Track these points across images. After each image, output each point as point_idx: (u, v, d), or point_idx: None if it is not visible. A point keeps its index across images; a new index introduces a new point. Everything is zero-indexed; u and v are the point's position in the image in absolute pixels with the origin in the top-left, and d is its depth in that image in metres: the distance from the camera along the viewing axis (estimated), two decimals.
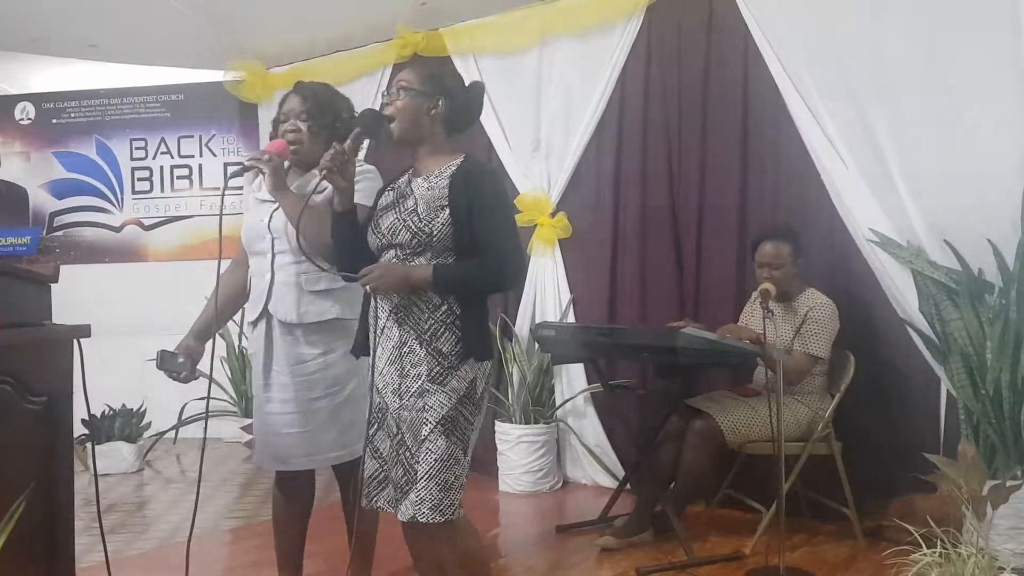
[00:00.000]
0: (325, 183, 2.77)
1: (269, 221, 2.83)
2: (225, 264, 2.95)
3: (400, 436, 2.43)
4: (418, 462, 2.38)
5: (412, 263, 2.42)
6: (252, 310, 2.90)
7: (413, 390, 2.40)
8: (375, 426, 2.51)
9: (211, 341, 2.76)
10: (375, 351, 2.51)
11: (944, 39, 3.66)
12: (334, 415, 2.84)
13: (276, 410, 2.86)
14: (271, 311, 2.84)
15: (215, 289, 2.94)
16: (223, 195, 2.66)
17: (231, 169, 2.83)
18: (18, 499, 1.56)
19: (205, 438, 2.84)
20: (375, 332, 2.50)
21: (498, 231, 2.43)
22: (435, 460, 2.37)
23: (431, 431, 2.37)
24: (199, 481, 2.69)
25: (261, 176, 2.79)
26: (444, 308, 2.41)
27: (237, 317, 4.12)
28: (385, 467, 2.48)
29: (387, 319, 2.46)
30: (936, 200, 3.71)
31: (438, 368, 2.39)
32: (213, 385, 5.23)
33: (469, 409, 2.42)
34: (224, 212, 2.68)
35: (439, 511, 2.37)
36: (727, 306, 4.35)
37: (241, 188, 3.14)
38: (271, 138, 2.92)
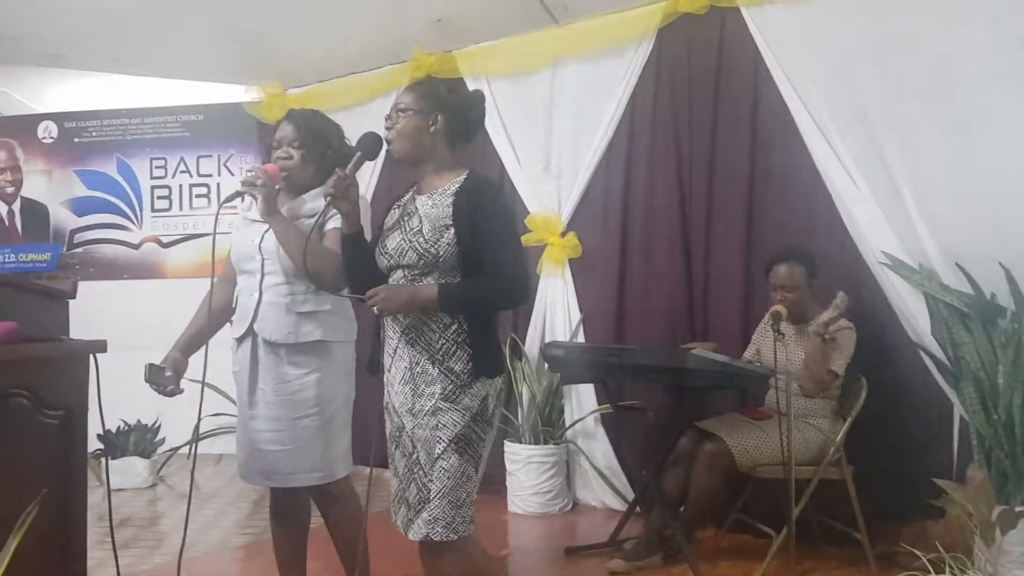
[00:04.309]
0: (311, 207, 2.84)
1: (260, 242, 2.87)
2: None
3: (415, 455, 2.44)
4: (431, 480, 2.40)
5: (420, 283, 2.44)
6: (238, 327, 2.93)
7: (427, 409, 2.42)
8: (394, 445, 2.53)
9: (204, 356, 2.79)
10: (388, 371, 2.53)
11: (957, 63, 3.67)
12: (316, 435, 2.86)
13: (262, 427, 2.88)
14: (256, 330, 2.87)
15: (201, 304, 3.02)
16: (216, 217, 2.73)
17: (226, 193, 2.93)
18: (32, 511, 1.58)
19: (195, 453, 2.89)
20: (387, 352, 2.53)
21: (503, 249, 2.44)
22: (448, 478, 2.39)
23: (444, 449, 2.39)
24: (189, 499, 2.71)
25: (253, 200, 2.84)
26: (454, 327, 2.43)
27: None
28: (401, 487, 2.50)
29: (399, 340, 2.48)
30: (948, 223, 3.71)
31: (451, 387, 2.41)
32: (227, 402, 5.30)
33: (481, 426, 2.44)
34: (221, 232, 2.76)
35: (452, 529, 2.39)
36: (737, 327, 4.35)
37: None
38: (263, 163, 2.97)
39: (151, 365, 2.86)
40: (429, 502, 2.40)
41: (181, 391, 2.92)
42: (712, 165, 4.52)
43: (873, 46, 3.89)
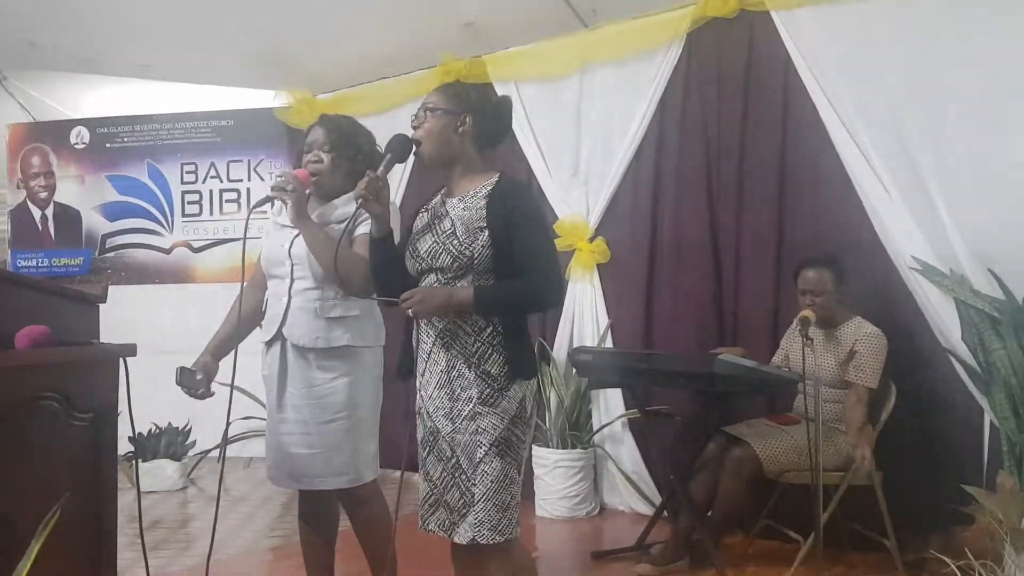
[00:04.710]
0: (342, 213, 2.85)
1: (290, 247, 2.90)
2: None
3: (455, 459, 2.43)
4: (475, 484, 2.39)
5: (454, 286, 2.43)
6: (267, 331, 2.96)
7: (465, 413, 2.41)
8: (427, 450, 2.51)
9: (233, 360, 2.81)
10: (422, 375, 2.51)
11: (991, 67, 3.65)
12: (344, 439, 2.88)
13: (290, 430, 2.91)
14: (285, 334, 2.89)
15: (231, 309, 3.04)
16: (247, 221, 2.76)
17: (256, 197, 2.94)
18: (60, 512, 1.61)
19: (224, 456, 2.90)
20: (420, 357, 2.51)
21: (538, 250, 2.43)
22: (492, 481, 2.38)
23: (486, 453, 2.38)
24: (217, 502, 2.74)
25: (284, 205, 2.86)
26: (489, 330, 2.42)
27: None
28: (436, 491, 2.49)
29: (433, 343, 2.47)
30: (980, 227, 3.68)
31: (488, 390, 2.40)
32: (257, 406, 5.35)
33: (520, 428, 2.43)
34: (252, 236, 2.80)
35: (498, 531, 2.39)
36: (765, 333, 4.33)
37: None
38: (294, 168, 3.00)
39: (182, 368, 2.90)
40: (474, 505, 2.39)
41: (212, 394, 2.95)
42: (741, 169, 4.50)
43: (904, 48, 3.87)
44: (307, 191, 2.88)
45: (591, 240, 4.96)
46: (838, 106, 4.06)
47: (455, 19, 5.21)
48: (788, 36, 4.21)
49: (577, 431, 4.86)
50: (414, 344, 2.53)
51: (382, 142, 3.05)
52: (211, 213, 6.71)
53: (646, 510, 4.68)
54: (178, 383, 2.89)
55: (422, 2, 5.17)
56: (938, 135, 3.78)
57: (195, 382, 2.90)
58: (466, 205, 2.46)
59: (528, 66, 5.21)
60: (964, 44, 3.71)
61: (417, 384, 2.55)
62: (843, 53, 4.05)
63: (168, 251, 6.73)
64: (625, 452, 4.88)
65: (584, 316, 4.99)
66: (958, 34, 3.73)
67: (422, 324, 2.49)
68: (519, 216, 2.41)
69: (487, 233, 2.40)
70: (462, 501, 2.41)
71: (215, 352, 3.00)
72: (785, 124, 4.34)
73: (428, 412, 2.50)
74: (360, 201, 2.43)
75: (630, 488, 4.84)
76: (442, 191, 2.58)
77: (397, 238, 2.61)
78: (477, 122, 2.50)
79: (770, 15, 4.26)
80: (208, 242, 6.68)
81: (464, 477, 2.41)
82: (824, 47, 4.10)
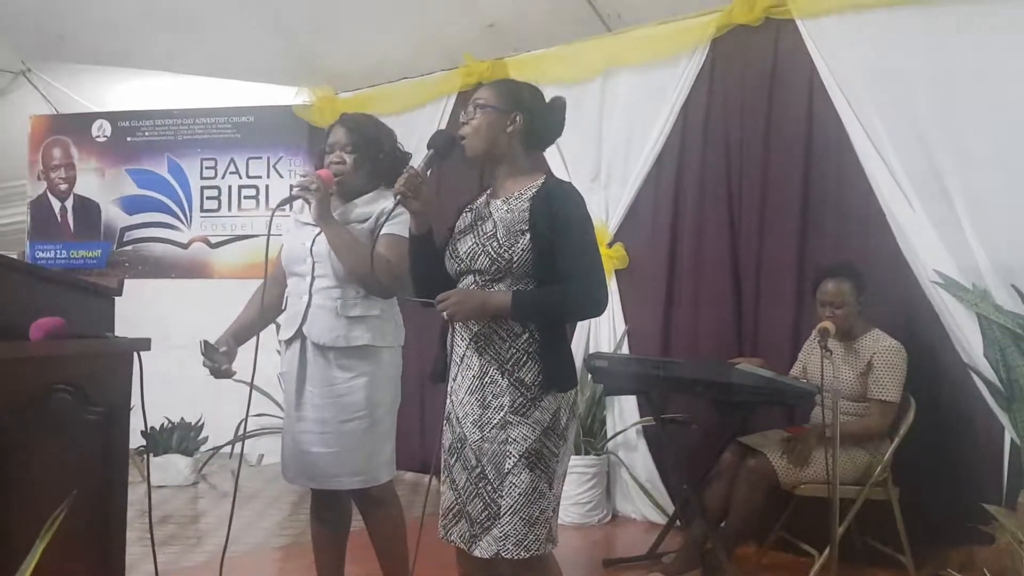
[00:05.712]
0: (363, 212, 2.82)
1: (311, 245, 2.89)
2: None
3: (480, 469, 2.35)
4: (501, 496, 2.30)
5: (492, 289, 2.35)
6: (287, 329, 2.96)
7: (495, 422, 2.33)
8: (454, 457, 2.43)
9: (254, 357, 2.80)
10: (454, 380, 2.44)
11: (1015, 81, 3.61)
12: (361, 439, 2.86)
13: (308, 429, 2.90)
14: (305, 333, 2.89)
15: (252, 297, 3.05)
16: (271, 218, 2.74)
17: (282, 196, 2.94)
18: (68, 507, 1.59)
19: (242, 452, 2.89)
20: (453, 361, 2.43)
21: (581, 257, 2.34)
22: (519, 494, 2.29)
23: (515, 464, 2.30)
24: (234, 499, 2.73)
25: (307, 204, 2.86)
26: (525, 336, 2.34)
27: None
28: (460, 500, 2.40)
29: (466, 348, 2.39)
30: (1003, 243, 3.64)
31: (521, 399, 2.31)
32: (270, 403, 5.34)
33: (553, 441, 2.33)
34: (274, 233, 2.78)
35: (523, 547, 2.29)
36: (785, 343, 4.28)
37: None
38: (316, 168, 2.99)
39: (206, 342, 2.89)
40: (499, 518, 2.30)
41: (234, 372, 2.94)
42: (764, 178, 4.46)
43: (929, 58, 3.83)
44: (330, 191, 2.87)
45: (610, 245, 4.92)
46: (862, 116, 4.02)
47: (477, 20, 5.20)
48: (813, 44, 4.17)
49: (591, 437, 4.83)
50: (448, 348, 2.45)
51: (403, 142, 3.06)
52: (229, 209, 6.71)
53: (659, 518, 4.64)
54: (202, 353, 2.89)
55: (444, 3, 5.17)
56: (962, 147, 3.74)
57: (218, 356, 2.89)
58: (510, 207, 2.39)
59: (550, 69, 5.17)
60: (989, 54, 3.68)
61: (448, 389, 2.47)
62: (868, 62, 4.01)
63: (185, 246, 6.74)
64: (639, 459, 4.85)
65: (600, 322, 4.94)
66: (983, 44, 3.69)
67: (457, 327, 2.41)
68: (563, 220, 2.33)
69: (528, 236, 2.32)
70: (485, 513, 2.33)
71: (236, 335, 3.00)
72: (808, 133, 4.29)
73: (457, 418, 2.42)
74: (399, 198, 2.37)
75: (643, 496, 4.81)
76: (487, 192, 2.52)
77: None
78: (528, 122, 2.43)
79: (795, 23, 4.23)
80: (226, 238, 6.69)
81: (489, 488, 2.32)
82: (849, 56, 4.06)
